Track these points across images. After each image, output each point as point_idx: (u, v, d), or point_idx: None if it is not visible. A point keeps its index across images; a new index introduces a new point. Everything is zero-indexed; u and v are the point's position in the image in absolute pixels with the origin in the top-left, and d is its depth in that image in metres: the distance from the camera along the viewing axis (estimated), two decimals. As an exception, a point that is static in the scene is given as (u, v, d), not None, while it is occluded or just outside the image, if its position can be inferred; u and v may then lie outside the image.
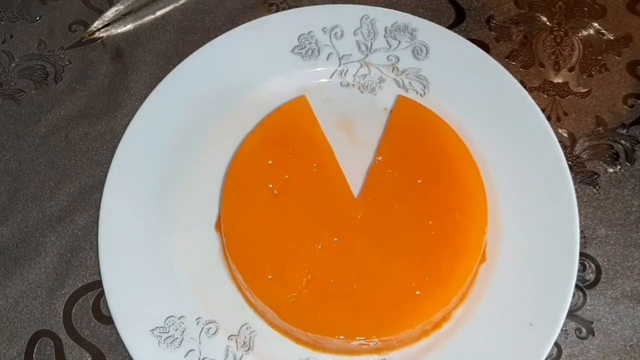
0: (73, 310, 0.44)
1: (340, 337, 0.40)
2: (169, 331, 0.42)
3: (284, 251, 0.42)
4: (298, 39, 0.50)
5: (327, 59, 0.50)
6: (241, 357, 0.41)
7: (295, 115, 0.47)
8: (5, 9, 0.56)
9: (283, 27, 0.50)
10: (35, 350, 0.43)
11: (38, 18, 0.55)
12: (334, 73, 0.50)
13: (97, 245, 0.44)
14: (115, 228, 0.44)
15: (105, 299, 0.43)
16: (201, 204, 0.46)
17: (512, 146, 0.46)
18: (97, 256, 0.45)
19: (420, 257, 0.42)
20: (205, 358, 0.41)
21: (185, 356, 0.41)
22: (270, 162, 0.45)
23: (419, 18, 0.50)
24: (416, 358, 0.41)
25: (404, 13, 0.50)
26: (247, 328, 0.42)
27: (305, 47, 0.50)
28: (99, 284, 0.45)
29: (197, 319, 0.42)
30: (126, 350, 0.41)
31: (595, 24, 0.52)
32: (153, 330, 0.42)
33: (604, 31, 0.52)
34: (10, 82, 0.53)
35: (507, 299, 0.42)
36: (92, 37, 0.54)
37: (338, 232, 0.43)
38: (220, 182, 0.46)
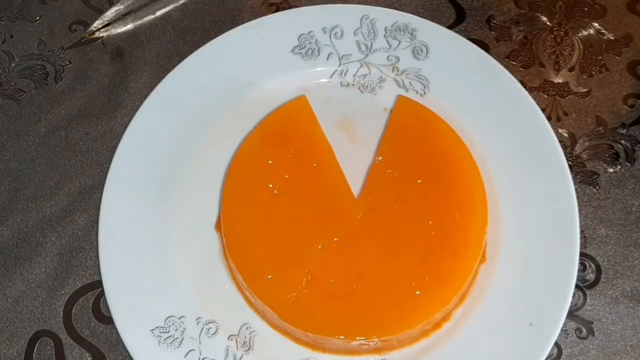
0: (73, 310, 0.44)
1: (340, 337, 0.40)
2: (169, 331, 0.42)
3: (284, 251, 0.42)
4: (298, 39, 0.50)
5: (327, 59, 0.50)
6: (241, 357, 0.41)
7: (295, 115, 0.47)
8: (5, 9, 0.56)
9: (283, 27, 0.50)
10: (35, 350, 0.43)
11: (38, 18, 0.55)
12: (334, 73, 0.50)
13: (97, 245, 0.44)
14: (115, 228, 0.44)
15: (105, 299, 0.43)
16: (201, 204, 0.46)
17: (512, 146, 0.46)
18: (97, 256, 0.45)
19: (420, 257, 0.42)
20: (205, 358, 0.41)
21: (185, 356, 0.41)
22: (270, 162, 0.45)
23: (419, 18, 0.50)
24: (416, 358, 0.41)
25: (404, 13, 0.50)
26: (247, 328, 0.42)
27: (305, 47, 0.50)
28: (99, 284, 0.45)
29: (197, 319, 0.42)
30: (126, 350, 0.41)
31: (596, 24, 0.52)
32: (153, 330, 0.42)
33: (604, 31, 0.52)
34: (10, 82, 0.53)
35: (507, 299, 0.42)
36: (92, 37, 0.54)
37: (338, 232, 0.43)
38: (220, 182, 0.46)
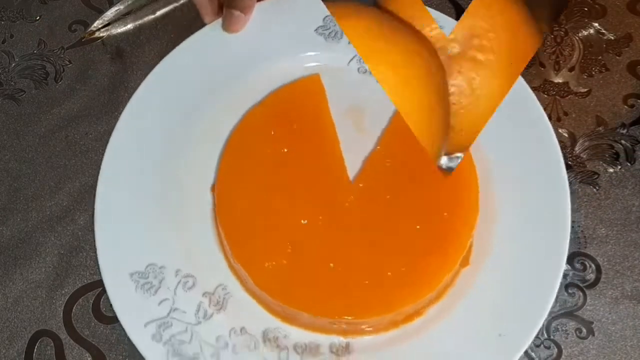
0: (73, 310, 0.44)
1: (308, 312, 0.40)
2: (147, 277, 0.42)
3: (270, 220, 0.43)
4: (323, 20, 0.50)
5: (349, 43, 0.49)
6: (212, 315, 0.42)
7: (306, 92, 0.48)
8: (5, 8, 0.56)
9: (310, 5, 0.50)
10: (35, 350, 0.43)
11: (38, 18, 0.55)
12: (353, 58, 0.50)
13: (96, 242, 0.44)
14: (115, 178, 0.45)
15: (105, 300, 0.43)
16: (201, 166, 0.46)
17: (515, 153, 0.45)
18: (97, 256, 0.45)
19: (401, 248, 0.42)
20: (177, 309, 0.41)
21: (158, 304, 0.41)
22: (272, 132, 0.45)
23: (446, 16, 0.48)
24: (380, 347, 0.41)
25: (430, 8, 0.49)
26: (223, 288, 0.43)
27: (329, 28, 0.50)
28: (99, 283, 0.45)
29: (176, 271, 0.43)
30: (126, 350, 0.41)
31: (596, 24, 0.52)
32: (132, 274, 0.42)
33: (604, 31, 0.52)
34: (10, 82, 0.53)
35: (482, 306, 0.41)
36: (92, 37, 0.54)
37: (326, 211, 0.43)
38: (223, 146, 0.47)
